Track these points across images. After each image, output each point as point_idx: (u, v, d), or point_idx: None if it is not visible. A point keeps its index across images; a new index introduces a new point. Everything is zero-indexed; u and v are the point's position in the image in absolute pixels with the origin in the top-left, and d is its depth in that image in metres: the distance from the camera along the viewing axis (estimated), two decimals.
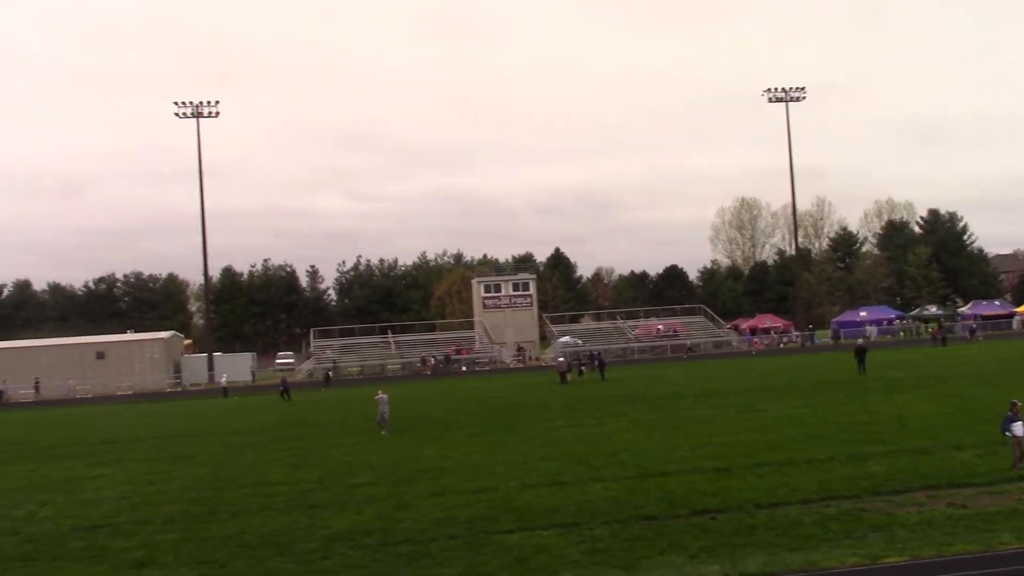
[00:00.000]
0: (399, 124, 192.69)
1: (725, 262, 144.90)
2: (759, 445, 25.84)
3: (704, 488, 20.27)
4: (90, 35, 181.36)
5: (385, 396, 35.04)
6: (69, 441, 40.87)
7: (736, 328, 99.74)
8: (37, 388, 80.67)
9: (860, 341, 65.09)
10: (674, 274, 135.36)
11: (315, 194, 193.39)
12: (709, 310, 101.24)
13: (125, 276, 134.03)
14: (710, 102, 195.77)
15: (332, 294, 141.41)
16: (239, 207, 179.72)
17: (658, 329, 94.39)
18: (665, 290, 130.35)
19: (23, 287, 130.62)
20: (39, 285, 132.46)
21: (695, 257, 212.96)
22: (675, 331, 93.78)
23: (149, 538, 19.12)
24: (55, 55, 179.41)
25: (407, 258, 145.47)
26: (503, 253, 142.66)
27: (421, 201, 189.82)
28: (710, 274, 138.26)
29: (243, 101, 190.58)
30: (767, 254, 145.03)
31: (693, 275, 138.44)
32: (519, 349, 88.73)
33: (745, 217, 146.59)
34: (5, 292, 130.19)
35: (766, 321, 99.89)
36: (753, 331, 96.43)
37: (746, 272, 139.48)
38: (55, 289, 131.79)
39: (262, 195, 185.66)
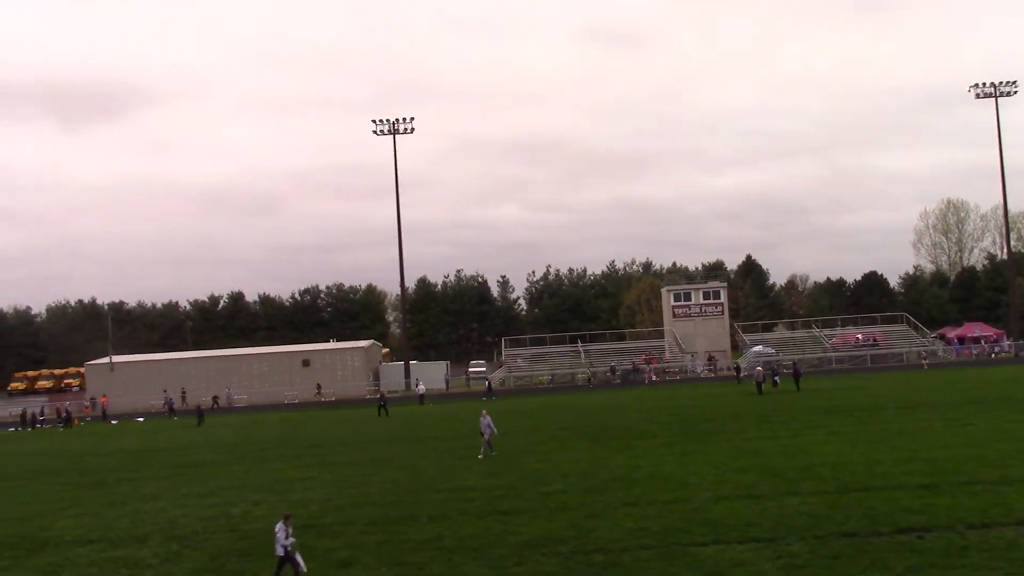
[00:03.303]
0: (574, 134, 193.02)
1: (929, 268, 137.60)
2: (969, 461, 24.49)
3: (909, 505, 19.39)
4: (284, 61, 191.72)
5: (488, 417, 33.75)
6: (279, 444, 43.25)
7: (942, 337, 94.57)
8: (197, 404, 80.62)
9: None
10: (873, 280, 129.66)
11: (496, 206, 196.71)
12: (912, 318, 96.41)
13: (328, 288, 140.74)
14: (902, 100, 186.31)
15: (523, 303, 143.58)
16: (427, 219, 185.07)
17: (857, 338, 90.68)
18: (864, 297, 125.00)
19: (236, 299, 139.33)
20: (251, 297, 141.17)
21: (895, 263, 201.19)
22: (875, 340, 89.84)
23: (353, 539, 20.02)
24: (251, 80, 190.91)
25: (595, 267, 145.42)
26: (691, 261, 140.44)
27: (600, 210, 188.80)
28: (913, 280, 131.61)
29: (423, 117, 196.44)
30: (976, 259, 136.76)
31: (894, 281, 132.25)
32: (710, 358, 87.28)
33: (951, 220, 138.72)
34: (221, 304, 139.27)
35: (975, 330, 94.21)
36: (961, 340, 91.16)
37: (952, 278, 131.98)
38: (265, 300, 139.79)
39: (447, 207, 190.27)
